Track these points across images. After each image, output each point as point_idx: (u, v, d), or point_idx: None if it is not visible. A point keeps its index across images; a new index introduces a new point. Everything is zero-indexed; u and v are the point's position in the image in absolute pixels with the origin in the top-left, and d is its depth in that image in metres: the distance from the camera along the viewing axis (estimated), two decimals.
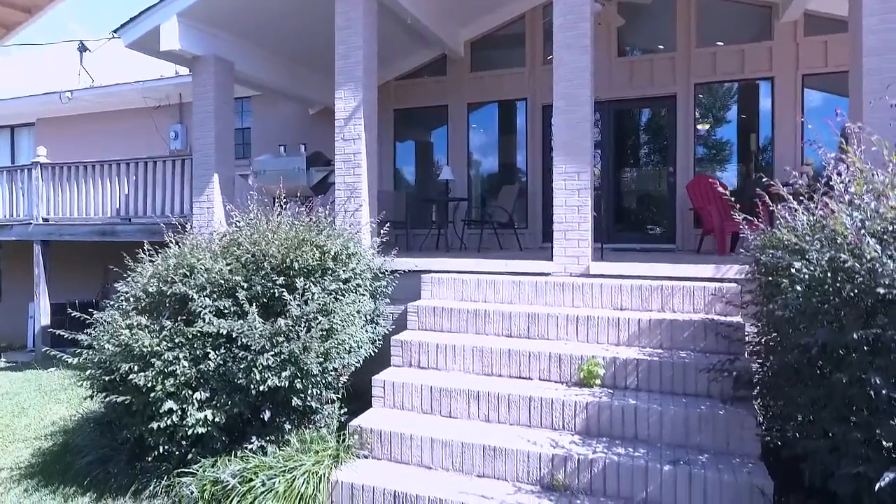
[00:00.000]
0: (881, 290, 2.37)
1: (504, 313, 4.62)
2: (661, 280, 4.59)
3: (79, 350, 4.33)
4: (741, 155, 7.96)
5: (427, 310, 4.88)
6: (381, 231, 5.27)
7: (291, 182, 6.52)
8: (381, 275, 5.06)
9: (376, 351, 4.84)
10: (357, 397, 4.69)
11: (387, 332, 4.92)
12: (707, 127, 8.15)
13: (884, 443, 2.52)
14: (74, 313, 4.49)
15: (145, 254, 4.58)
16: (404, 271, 5.31)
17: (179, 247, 4.45)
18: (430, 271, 5.31)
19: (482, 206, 8.98)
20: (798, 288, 2.83)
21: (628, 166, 8.72)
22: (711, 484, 3.12)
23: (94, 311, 4.43)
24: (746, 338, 3.86)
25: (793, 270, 2.85)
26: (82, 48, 11.12)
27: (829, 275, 2.64)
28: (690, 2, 7.94)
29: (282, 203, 4.87)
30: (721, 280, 4.47)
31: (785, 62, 7.49)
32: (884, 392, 2.44)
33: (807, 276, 2.74)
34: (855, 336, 2.42)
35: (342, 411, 4.53)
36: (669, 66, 8.06)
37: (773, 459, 3.40)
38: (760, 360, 3.49)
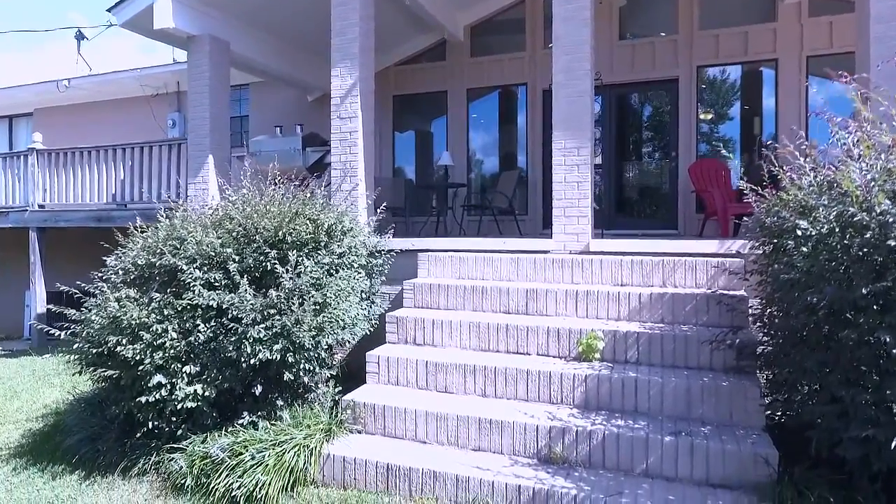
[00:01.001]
0: (892, 243, 2.27)
1: (502, 290, 4.52)
2: (663, 256, 4.49)
3: (71, 330, 4.24)
4: (744, 139, 7.84)
5: (423, 287, 4.78)
6: (379, 215, 5.18)
7: (287, 163, 6.43)
8: (376, 253, 4.96)
9: (371, 330, 4.73)
10: (352, 377, 4.59)
11: (383, 312, 4.82)
12: (710, 116, 8.03)
13: (894, 406, 2.42)
14: (76, 294, 4.40)
15: (137, 231, 4.49)
16: (400, 250, 5.22)
17: (170, 219, 4.35)
18: (427, 250, 5.22)
19: (482, 192, 8.87)
20: (804, 249, 2.73)
21: (629, 151, 8.61)
22: (714, 454, 3.02)
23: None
24: (750, 310, 3.76)
25: (799, 231, 2.74)
26: (80, 36, 11.05)
27: (837, 232, 2.54)
28: None
29: (276, 182, 4.78)
30: (724, 255, 4.36)
31: (789, 44, 7.37)
32: (894, 351, 2.34)
33: (814, 235, 2.64)
34: (864, 291, 2.32)
35: (336, 390, 4.42)
36: (672, 49, 7.95)
37: (778, 431, 3.29)
38: (764, 332, 3.39)
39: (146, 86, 10.60)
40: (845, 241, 2.49)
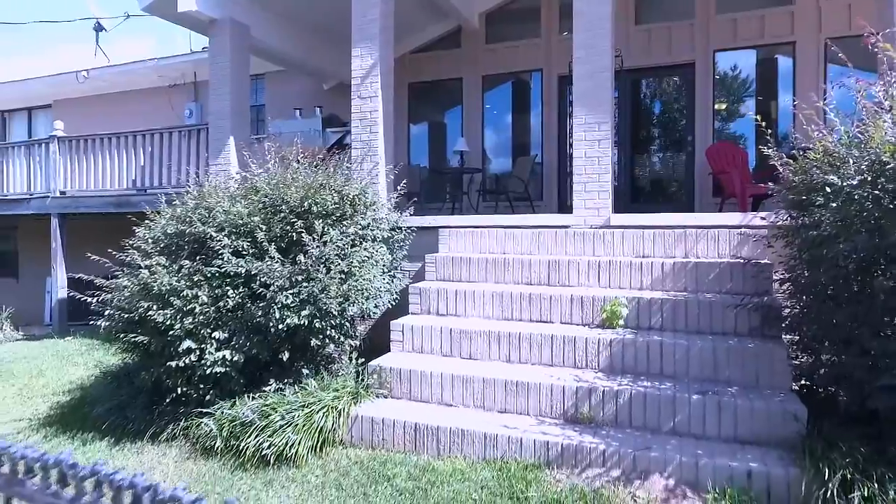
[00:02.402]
0: None
1: (524, 262, 4.56)
2: (685, 229, 4.50)
3: (102, 298, 4.31)
4: (763, 120, 7.79)
5: (446, 260, 4.83)
6: (400, 192, 5.22)
7: (307, 144, 6.48)
8: (397, 229, 5.01)
9: (394, 304, 4.79)
10: (374, 350, 4.64)
11: (404, 286, 4.87)
12: (729, 103, 8.02)
13: None
14: (96, 280, 4.49)
15: (161, 212, 4.56)
16: (419, 227, 5.26)
17: (198, 191, 4.42)
18: (447, 227, 5.26)
19: (496, 177, 8.89)
20: (834, 204, 2.75)
21: (645, 136, 8.60)
22: (742, 412, 3.04)
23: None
24: (775, 275, 3.77)
25: (828, 187, 2.76)
26: (99, 27, 11.19)
27: (868, 182, 2.55)
28: None
29: (298, 160, 4.83)
30: (748, 227, 4.36)
31: (807, 26, 7.35)
32: None
33: (844, 188, 2.65)
34: (890, 237, 2.33)
35: (360, 361, 4.48)
36: (688, 34, 7.94)
37: (805, 392, 3.31)
38: (791, 294, 3.40)
39: (164, 76, 10.72)
40: (876, 191, 2.50)
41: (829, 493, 2.45)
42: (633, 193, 8.40)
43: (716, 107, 7.94)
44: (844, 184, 2.65)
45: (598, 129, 4.93)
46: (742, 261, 3.95)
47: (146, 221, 4.60)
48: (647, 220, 4.78)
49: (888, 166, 2.41)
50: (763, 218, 3.85)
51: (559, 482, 2.94)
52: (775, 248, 3.68)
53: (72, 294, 9.12)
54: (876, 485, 2.40)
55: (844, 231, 2.65)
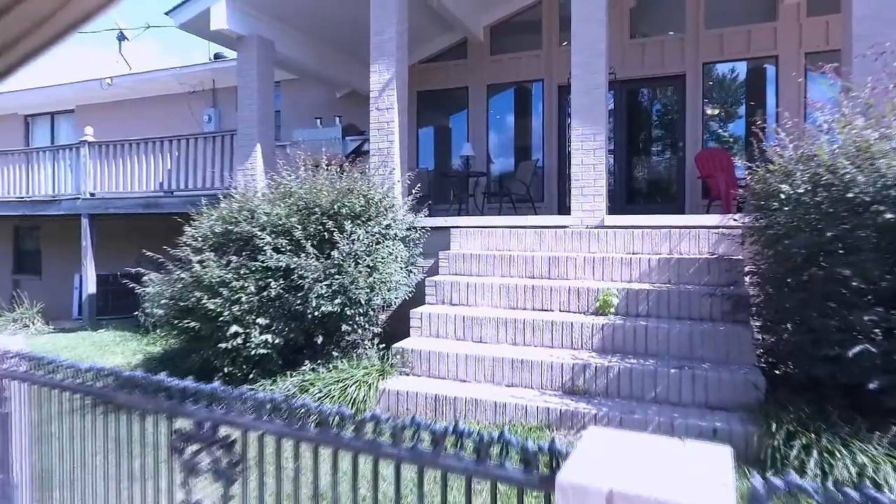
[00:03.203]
0: (850, 195, 2.86)
1: (527, 258, 5.14)
2: (670, 229, 5.08)
3: (156, 290, 4.88)
4: (748, 128, 8.39)
5: (457, 256, 5.41)
6: (415, 195, 5.80)
7: (329, 151, 7.06)
8: (413, 229, 5.59)
9: (410, 296, 5.38)
10: (393, 337, 5.20)
11: (420, 280, 5.45)
12: (717, 112, 8.60)
13: (855, 328, 3.00)
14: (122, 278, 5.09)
15: (202, 215, 5.14)
16: (432, 227, 5.83)
17: (240, 196, 5.00)
18: (458, 227, 5.84)
19: (500, 181, 9.48)
20: (786, 208, 3.33)
21: (639, 143, 9.18)
22: (712, 382, 3.62)
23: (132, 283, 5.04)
24: (746, 268, 4.35)
25: (782, 194, 3.34)
26: (121, 37, 11.76)
27: (810, 191, 3.13)
28: None
29: (320, 166, 5.41)
30: (725, 227, 4.93)
31: (788, 42, 7.93)
32: (853, 283, 2.93)
33: (793, 195, 3.23)
34: (829, 234, 2.91)
35: (381, 345, 5.06)
36: (679, 47, 8.52)
37: (767, 368, 3.89)
38: (755, 284, 3.98)
39: (184, 83, 11.31)
40: (816, 198, 3.08)
41: (776, 443, 3.03)
42: (628, 195, 8.98)
43: (705, 114, 8.51)
44: (793, 192, 3.23)
45: (594, 139, 5.51)
46: (718, 257, 4.54)
47: (192, 221, 5.18)
48: (636, 220, 5.36)
49: (823, 178, 2.99)
50: (736, 220, 4.42)
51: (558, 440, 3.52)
52: (745, 245, 4.26)
53: (102, 289, 9.75)
54: (813, 435, 2.97)
55: (794, 230, 3.23)
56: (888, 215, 2.77)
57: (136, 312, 5.75)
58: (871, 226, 2.87)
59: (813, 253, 3.13)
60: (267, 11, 7.30)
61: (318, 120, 8.24)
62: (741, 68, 8.44)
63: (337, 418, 1.47)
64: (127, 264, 10.88)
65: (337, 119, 8.13)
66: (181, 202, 8.49)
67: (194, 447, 1.72)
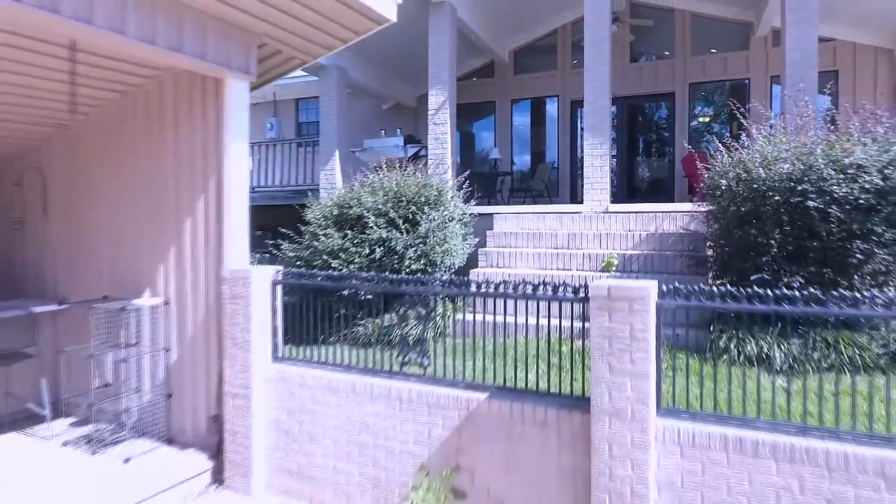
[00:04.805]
0: (756, 185, 4.79)
1: (551, 234, 7.08)
2: (656, 213, 7.01)
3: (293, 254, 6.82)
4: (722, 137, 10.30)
5: (499, 234, 7.36)
6: (465, 190, 7.74)
7: (392, 156, 9.00)
8: (465, 214, 7.53)
9: (463, 263, 7.32)
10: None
11: (472, 251, 7.39)
12: (707, 120, 10.51)
13: (762, 268, 4.91)
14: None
15: (306, 205, 7.09)
16: (479, 214, 7.76)
17: (346, 188, 6.97)
18: (499, 213, 7.79)
19: (522, 178, 11.42)
20: (724, 195, 5.25)
21: (638, 148, 11.12)
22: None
23: None
24: (706, 238, 6.27)
25: (722, 186, 5.26)
26: None
27: (735, 184, 5.06)
28: (686, 20, 10.31)
29: (399, 167, 7.34)
30: (695, 211, 6.86)
31: (758, 67, 9.84)
32: (759, 240, 4.85)
33: (726, 187, 5.16)
34: (744, 210, 4.85)
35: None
36: (670, 70, 10.44)
37: None
38: (711, 249, 5.90)
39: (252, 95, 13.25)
40: (738, 188, 5.02)
41: (713, 337, 4.95)
42: (629, 191, 10.91)
43: (690, 125, 10.43)
44: (727, 184, 5.16)
45: (601, 147, 7.44)
46: (688, 232, 6.47)
47: (305, 207, 7.13)
48: (632, 207, 7.29)
49: (739, 181, 4.92)
50: (701, 206, 6.34)
51: None
52: (707, 223, 6.18)
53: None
54: (733, 331, 4.89)
55: (727, 209, 5.15)
56: (777, 197, 4.70)
57: None
58: (769, 205, 4.79)
59: (738, 223, 5.05)
60: (346, 47, 9.24)
61: (383, 131, 10.20)
62: (719, 87, 10.36)
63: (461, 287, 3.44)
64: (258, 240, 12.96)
65: (398, 130, 10.09)
66: (285, 195, 10.49)
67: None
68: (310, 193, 8.24)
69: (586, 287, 3.30)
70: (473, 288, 3.88)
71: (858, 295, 2.93)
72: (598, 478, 3.11)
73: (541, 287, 3.59)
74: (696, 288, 3.20)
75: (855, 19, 8.87)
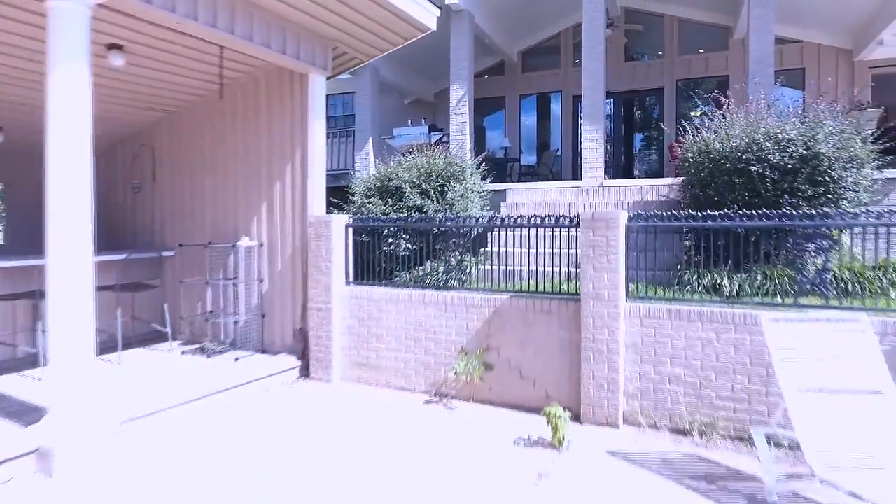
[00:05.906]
0: (713, 156, 6.24)
1: (555, 203, 8.54)
2: (643, 186, 8.45)
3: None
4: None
5: (511, 205, 8.83)
6: (483, 171, 9.20)
7: (418, 142, 10.46)
8: (482, 189, 8.98)
9: (482, 229, 8.77)
10: (473, 252, 8.62)
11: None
12: (699, 114, 11.93)
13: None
14: None
15: (350, 183, 8.55)
16: (493, 190, 9.22)
17: (384, 167, 8.45)
18: (511, 189, 9.24)
19: (528, 164, 12.87)
20: (691, 167, 6.69)
21: (632, 137, 12.54)
22: (658, 259, 7.00)
23: None
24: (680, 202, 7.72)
25: (690, 158, 6.71)
26: None
27: (700, 157, 6.51)
28: (674, 24, 11.73)
29: (431, 148, 8.80)
30: (673, 183, 8.30)
31: (736, 65, 11.25)
32: (716, 199, 6.28)
33: (692, 159, 6.61)
34: (703, 175, 6.30)
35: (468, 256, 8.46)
36: (659, 68, 11.87)
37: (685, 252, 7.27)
38: (683, 209, 7.33)
39: None
40: (700, 159, 6.46)
41: (682, 274, 6.39)
42: (624, 173, 12.34)
43: (677, 116, 11.85)
44: (692, 157, 6.60)
45: (596, 133, 8.89)
46: (667, 199, 7.91)
47: (348, 186, 8.60)
48: (623, 182, 8.74)
49: (701, 153, 6.37)
50: (678, 180, 7.78)
51: None
52: (681, 191, 7.62)
53: None
54: (695, 268, 6.33)
55: (696, 178, 6.60)
56: (727, 165, 6.14)
57: None
58: (723, 171, 6.23)
59: (701, 186, 6.50)
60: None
61: (410, 121, 11.69)
62: (702, 83, 11.78)
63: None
64: None
65: (423, 120, 11.57)
66: (330, 176, 11.96)
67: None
68: (349, 174, 9.70)
69: (578, 216, 4.77)
70: (498, 221, 5.31)
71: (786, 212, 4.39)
72: (585, 342, 4.57)
73: (547, 218, 5.04)
74: (653, 213, 4.66)
75: (818, 23, 10.29)
